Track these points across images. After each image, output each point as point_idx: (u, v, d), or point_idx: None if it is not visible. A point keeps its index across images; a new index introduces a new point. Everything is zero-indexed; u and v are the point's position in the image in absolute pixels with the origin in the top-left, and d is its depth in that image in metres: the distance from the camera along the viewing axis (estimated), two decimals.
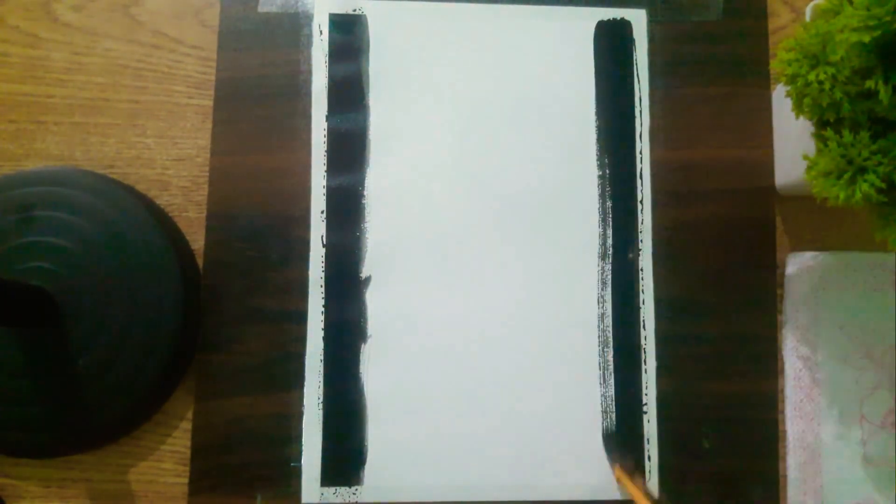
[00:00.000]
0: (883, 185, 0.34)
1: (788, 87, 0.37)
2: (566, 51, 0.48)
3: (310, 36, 0.47)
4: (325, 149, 0.46)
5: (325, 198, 0.46)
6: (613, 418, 0.44)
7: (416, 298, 0.45)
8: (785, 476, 0.44)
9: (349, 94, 0.47)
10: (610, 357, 0.45)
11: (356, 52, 0.47)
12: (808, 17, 0.42)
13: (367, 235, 0.45)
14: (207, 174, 0.46)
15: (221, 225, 0.45)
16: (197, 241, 0.46)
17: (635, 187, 0.47)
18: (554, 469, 0.44)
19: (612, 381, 0.45)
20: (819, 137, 0.37)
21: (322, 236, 0.45)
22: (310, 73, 0.47)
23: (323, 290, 0.45)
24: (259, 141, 0.46)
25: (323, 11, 0.47)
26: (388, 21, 0.48)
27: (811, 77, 0.34)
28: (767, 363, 0.45)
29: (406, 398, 0.44)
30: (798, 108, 0.37)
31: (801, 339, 0.45)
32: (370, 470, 0.43)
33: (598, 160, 0.47)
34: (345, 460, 0.43)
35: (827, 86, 0.34)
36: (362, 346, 0.44)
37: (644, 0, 0.48)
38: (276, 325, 0.44)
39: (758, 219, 0.46)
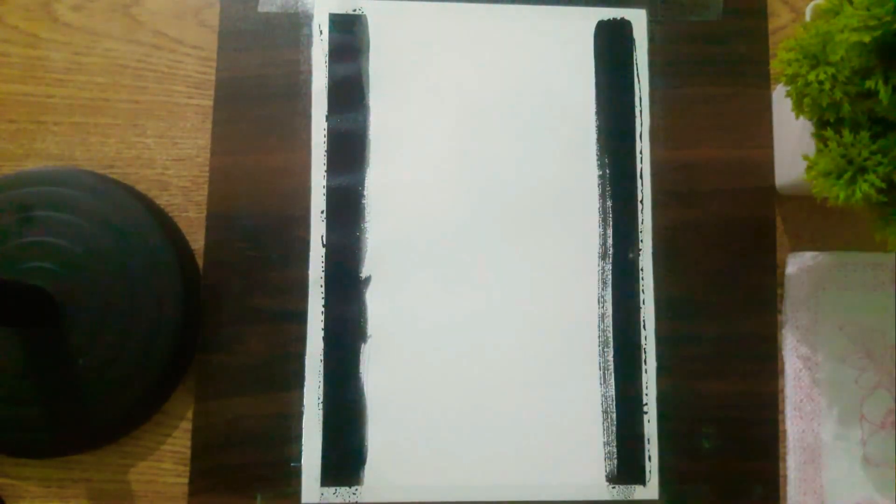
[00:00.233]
0: (883, 185, 0.34)
1: (788, 87, 0.37)
2: (566, 51, 0.48)
3: (310, 36, 0.47)
4: (325, 149, 0.46)
5: (325, 198, 0.46)
6: (613, 418, 0.44)
7: (416, 298, 0.45)
8: (785, 476, 0.44)
9: (349, 94, 0.47)
10: (610, 357, 0.45)
11: (356, 52, 0.47)
12: (808, 17, 0.42)
13: (367, 235, 0.45)
14: (207, 174, 0.46)
15: (221, 225, 0.45)
16: (197, 241, 0.46)
17: (635, 187, 0.47)
18: (554, 469, 0.44)
19: (612, 381, 0.45)
20: (819, 137, 0.37)
21: (322, 236, 0.45)
22: (310, 73, 0.47)
23: (323, 290, 0.45)
24: (259, 141, 0.46)
25: (323, 11, 0.47)
26: (388, 21, 0.48)
27: (811, 77, 0.34)
28: (767, 363, 0.45)
29: (406, 398, 0.44)
30: (798, 108, 0.37)
31: (801, 339, 0.45)
32: (370, 470, 0.43)
33: (598, 160, 0.47)
34: (345, 460, 0.43)
35: (827, 86, 0.34)
36: (362, 346, 0.44)
37: (644, 0, 0.48)
38: (276, 325, 0.44)
39: (758, 219, 0.46)
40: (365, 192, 0.46)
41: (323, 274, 0.45)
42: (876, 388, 0.45)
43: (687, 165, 0.47)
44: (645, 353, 0.45)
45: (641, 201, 0.46)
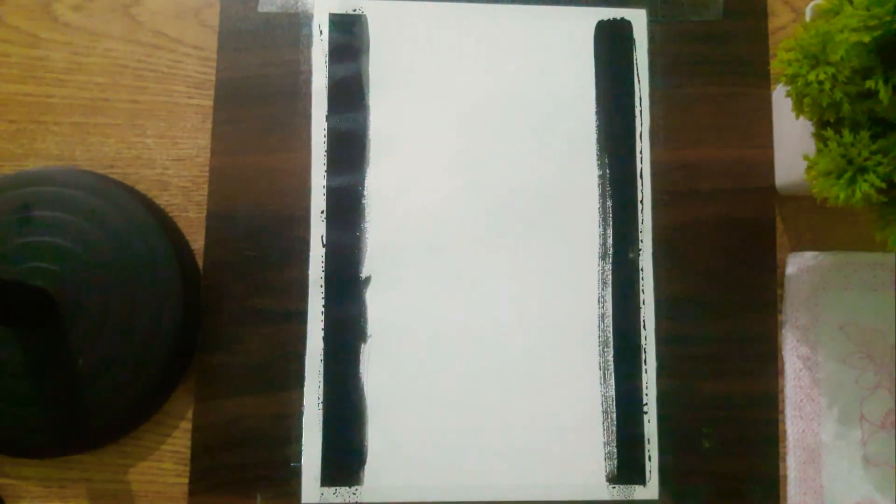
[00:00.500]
0: (883, 185, 0.34)
1: (788, 87, 0.37)
2: (566, 51, 0.48)
3: (310, 36, 0.47)
4: (325, 149, 0.46)
5: (325, 198, 0.46)
6: (613, 418, 0.44)
7: (416, 298, 0.45)
8: (785, 476, 0.44)
9: (349, 94, 0.47)
10: (610, 357, 0.45)
11: (356, 52, 0.47)
12: (808, 17, 0.42)
13: (367, 235, 0.45)
14: (207, 174, 0.46)
15: (221, 225, 0.45)
16: (197, 241, 0.46)
17: (635, 187, 0.47)
18: (554, 469, 0.44)
19: (612, 381, 0.45)
20: (819, 137, 0.37)
21: (322, 236, 0.45)
22: (310, 73, 0.47)
23: (323, 290, 0.45)
24: (259, 141, 0.46)
25: (323, 11, 0.47)
26: (388, 21, 0.48)
27: (811, 77, 0.34)
28: (767, 363, 0.45)
29: (406, 398, 0.44)
30: (798, 108, 0.37)
31: (801, 339, 0.45)
32: (370, 470, 0.43)
33: (598, 160, 0.47)
34: (345, 460, 0.43)
35: (827, 86, 0.34)
36: (362, 346, 0.44)
37: (644, 0, 0.48)
38: (276, 325, 0.44)
39: (758, 219, 0.46)
40: (365, 192, 0.46)
41: (323, 274, 0.45)
42: (876, 388, 0.45)
43: (687, 165, 0.47)
44: (645, 353, 0.45)
45: (641, 201, 0.46)
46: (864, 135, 0.35)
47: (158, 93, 0.47)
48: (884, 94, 0.32)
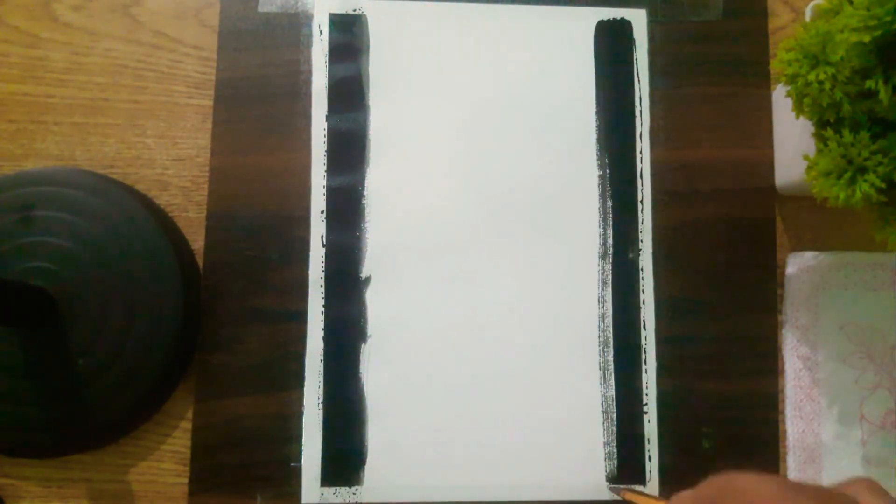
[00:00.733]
0: (883, 185, 0.34)
1: (788, 87, 0.37)
2: (566, 51, 0.48)
3: (310, 36, 0.47)
4: (325, 149, 0.46)
5: (325, 198, 0.46)
6: (613, 418, 0.44)
7: (416, 298, 0.45)
8: (785, 476, 0.44)
9: (349, 94, 0.47)
10: (610, 357, 0.45)
11: (356, 52, 0.47)
12: (808, 17, 0.42)
13: (367, 235, 0.45)
14: (207, 174, 0.46)
15: (221, 225, 0.45)
16: (197, 241, 0.46)
17: (635, 187, 0.47)
18: (554, 469, 0.44)
19: (612, 381, 0.45)
20: (819, 137, 0.37)
21: (322, 236, 0.45)
22: (310, 73, 0.47)
23: (323, 290, 0.45)
24: (259, 141, 0.46)
25: (323, 11, 0.47)
26: (388, 21, 0.48)
27: (811, 77, 0.35)
28: (767, 363, 0.45)
29: (406, 398, 0.44)
30: (798, 108, 0.37)
31: (801, 339, 0.45)
32: (370, 470, 0.43)
33: (598, 160, 0.47)
34: (345, 460, 0.43)
35: (827, 86, 0.34)
36: (362, 346, 0.44)
37: (644, 0, 0.48)
38: (276, 325, 0.44)
39: (758, 219, 0.46)
40: (365, 192, 0.46)
41: (323, 274, 0.45)
42: (876, 388, 0.45)
43: (687, 165, 0.47)
44: (645, 353, 0.45)
45: (641, 201, 0.46)
46: (864, 135, 0.35)
47: (158, 93, 0.47)
48: (884, 94, 0.32)
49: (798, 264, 0.46)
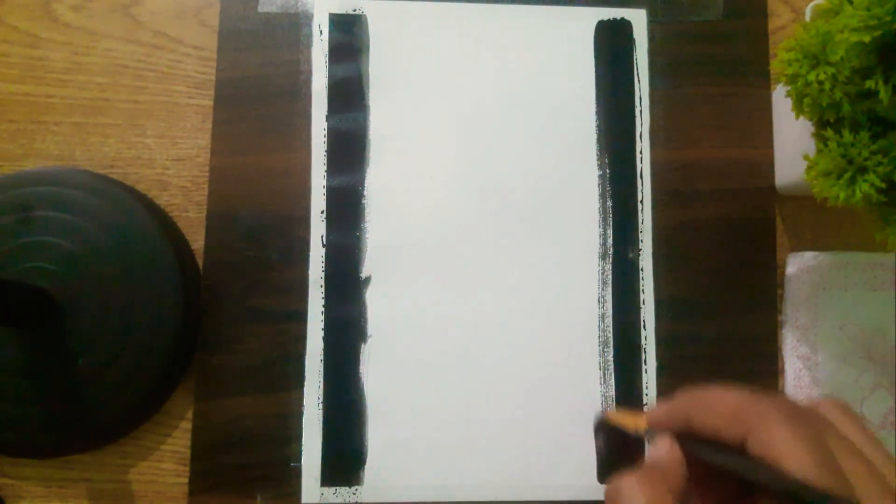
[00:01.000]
0: (883, 185, 0.34)
1: (788, 87, 0.37)
2: (566, 51, 0.48)
3: (310, 36, 0.47)
4: (325, 149, 0.46)
5: (325, 198, 0.46)
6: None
7: (416, 298, 0.45)
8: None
9: (349, 94, 0.47)
10: (610, 357, 0.45)
11: (356, 52, 0.47)
12: (808, 17, 0.42)
13: (367, 235, 0.45)
14: (207, 174, 0.46)
15: (221, 225, 0.45)
16: (197, 241, 0.46)
17: (635, 187, 0.47)
18: (555, 469, 0.44)
19: (612, 381, 0.45)
20: (819, 137, 0.37)
21: (322, 236, 0.45)
22: (310, 73, 0.47)
23: (323, 290, 0.45)
24: (259, 141, 0.46)
25: (323, 11, 0.47)
26: (388, 21, 0.48)
27: (811, 77, 0.34)
28: (767, 363, 0.45)
29: (406, 398, 0.44)
30: (798, 108, 0.37)
31: (801, 339, 0.45)
32: (370, 470, 0.43)
33: (598, 160, 0.47)
34: (345, 460, 0.43)
35: (827, 86, 0.34)
36: (362, 346, 0.44)
37: (644, 0, 0.48)
38: (276, 325, 0.44)
39: (758, 219, 0.46)
40: (365, 192, 0.46)
41: (323, 274, 0.45)
42: (876, 388, 0.45)
43: (687, 165, 0.47)
44: (645, 353, 0.45)
45: (641, 201, 0.46)
46: (864, 135, 0.35)
47: (158, 93, 0.47)
48: (884, 94, 0.32)
49: (798, 264, 0.46)
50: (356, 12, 0.48)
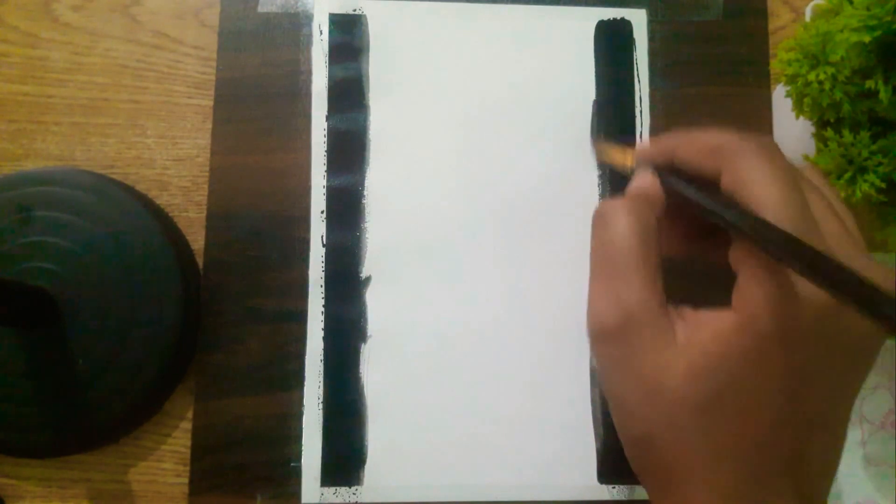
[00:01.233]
0: (883, 185, 0.34)
1: (788, 87, 0.37)
2: (566, 51, 0.48)
3: (310, 36, 0.47)
4: (325, 149, 0.46)
5: (325, 198, 0.46)
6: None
7: (416, 298, 0.45)
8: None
9: (349, 94, 0.47)
10: None
11: (356, 52, 0.47)
12: (808, 17, 0.42)
13: (367, 235, 0.45)
14: (207, 174, 0.46)
15: (221, 225, 0.45)
16: (197, 241, 0.46)
17: None
18: (555, 469, 0.44)
19: None
20: (819, 137, 0.37)
21: (322, 236, 0.45)
22: (310, 73, 0.47)
23: (323, 290, 0.45)
24: (259, 141, 0.46)
25: (323, 11, 0.47)
26: (388, 21, 0.48)
27: (811, 77, 0.35)
28: None
29: (406, 398, 0.44)
30: (798, 108, 0.37)
31: None
32: (370, 470, 0.43)
33: (598, 160, 0.47)
34: (345, 460, 0.43)
35: (827, 86, 0.34)
36: (362, 346, 0.44)
37: (644, 0, 0.48)
38: (276, 325, 0.44)
39: None
40: (365, 192, 0.46)
41: (323, 274, 0.45)
42: (876, 388, 0.45)
43: None
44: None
45: None
46: (864, 135, 0.35)
47: (158, 93, 0.47)
48: (884, 94, 0.32)
49: None
50: (356, 12, 0.48)
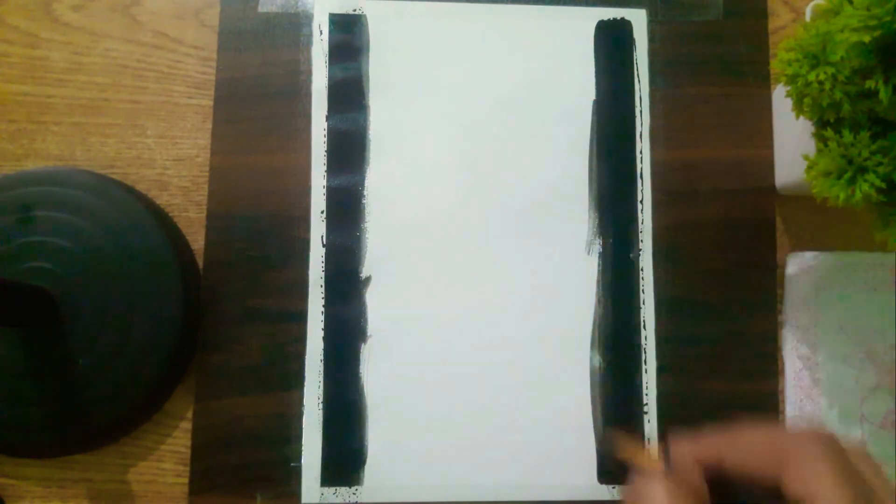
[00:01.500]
0: (883, 185, 0.34)
1: (788, 87, 0.37)
2: (566, 51, 0.48)
3: (310, 36, 0.47)
4: (325, 149, 0.46)
5: (325, 198, 0.46)
6: (614, 418, 0.44)
7: (416, 298, 0.45)
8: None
9: (349, 94, 0.47)
10: (610, 357, 0.45)
11: (356, 52, 0.47)
12: (808, 17, 0.42)
13: (367, 235, 0.45)
14: (207, 174, 0.46)
15: (221, 225, 0.45)
16: (197, 241, 0.46)
17: (635, 187, 0.47)
18: (555, 469, 0.44)
19: (611, 382, 0.45)
20: (819, 137, 0.37)
21: (322, 236, 0.45)
22: (310, 73, 0.47)
23: (323, 290, 0.45)
24: (259, 141, 0.46)
25: (323, 11, 0.47)
26: (388, 21, 0.48)
27: (811, 77, 0.34)
28: (767, 363, 0.45)
29: (406, 398, 0.44)
30: (798, 108, 0.37)
31: (801, 339, 0.45)
32: (370, 470, 0.43)
33: (597, 160, 0.47)
34: (345, 460, 0.43)
35: (827, 86, 0.34)
36: (362, 346, 0.44)
37: (644, 0, 0.48)
38: (276, 325, 0.44)
39: (758, 219, 0.46)
40: (365, 192, 0.46)
41: (323, 274, 0.45)
42: (876, 388, 0.45)
43: (687, 165, 0.47)
44: (645, 353, 0.45)
45: (641, 201, 0.46)
46: (864, 135, 0.35)
47: (158, 93, 0.47)
48: (884, 94, 0.32)
49: (798, 264, 0.46)
50: (356, 12, 0.48)
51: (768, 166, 0.47)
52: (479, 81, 0.47)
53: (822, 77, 0.34)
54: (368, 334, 0.45)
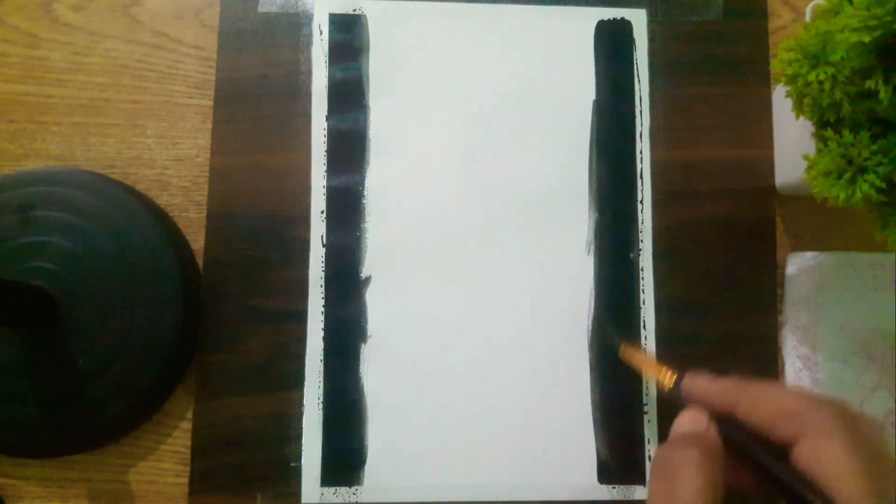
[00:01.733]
0: (883, 185, 0.34)
1: (788, 87, 0.37)
2: (566, 51, 0.48)
3: (310, 36, 0.47)
4: (325, 149, 0.46)
5: (325, 198, 0.46)
6: (614, 418, 0.44)
7: (416, 298, 0.45)
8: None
9: (349, 94, 0.47)
10: (610, 357, 0.45)
11: (356, 52, 0.47)
12: (808, 17, 0.42)
13: (367, 235, 0.45)
14: (207, 174, 0.46)
15: (221, 225, 0.45)
16: (197, 241, 0.46)
17: (635, 187, 0.47)
18: (555, 469, 0.44)
19: (611, 382, 0.45)
20: (819, 137, 0.37)
21: (322, 236, 0.45)
22: (310, 73, 0.47)
23: (323, 290, 0.45)
24: (259, 141, 0.46)
25: (323, 11, 0.47)
26: (388, 21, 0.48)
27: (811, 77, 0.34)
28: (767, 363, 0.45)
29: (406, 398, 0.44)
30: (798, 108, 0.37)
31: (801, 339, 0.45)
32: (370, 470, 0.43)
33: (597, 160, 0.47)
34: (345, 460, 0.43)
35: (827, 86, 0.34)
36: (362, 346, 0.44)
37: (644, 0, 0.48)
38: (276, 325, 0.44)
39: (758, 219, 0.46)
40: (365, 192, 0.46)
41: (323, 274, 0.45)
42: (876, 388, 0.45)
43: (687, 165, 0.47)
44: (645, 352, 0.45)
45: (641, 201, 0.46)
46: (864, 135, 0.35)
47: (158, 93, 0.47)
48: (884, 94, 0.32)
49: (798, 264, 0.46)
50: (356, 12, 0.48)
51: (768, 166, 0.47)
52: (479, 81, 0.47)
53: (822, 77, 0.34)
54: (368, 334, 0.45)
